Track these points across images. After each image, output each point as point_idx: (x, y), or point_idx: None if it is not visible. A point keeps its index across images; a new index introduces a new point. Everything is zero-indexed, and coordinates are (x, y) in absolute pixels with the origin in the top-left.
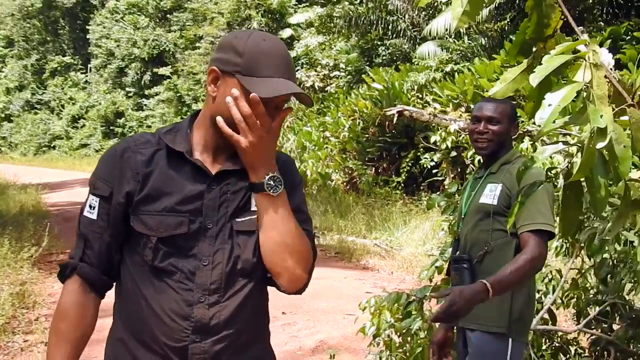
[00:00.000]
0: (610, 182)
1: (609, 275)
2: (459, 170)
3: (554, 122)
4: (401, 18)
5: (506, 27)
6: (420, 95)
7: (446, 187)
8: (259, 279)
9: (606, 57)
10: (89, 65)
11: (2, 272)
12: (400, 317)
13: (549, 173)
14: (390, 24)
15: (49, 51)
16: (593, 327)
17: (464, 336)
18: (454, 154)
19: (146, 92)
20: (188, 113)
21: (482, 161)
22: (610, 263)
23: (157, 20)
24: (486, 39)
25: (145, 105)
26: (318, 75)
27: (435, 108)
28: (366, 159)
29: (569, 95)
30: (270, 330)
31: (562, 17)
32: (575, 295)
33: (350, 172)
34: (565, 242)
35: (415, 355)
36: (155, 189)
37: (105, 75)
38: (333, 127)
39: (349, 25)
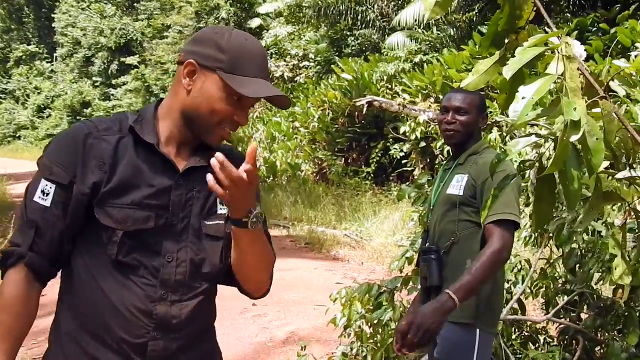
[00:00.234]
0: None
1: (577, 265)
2: (429, 161)
3: (527, 115)
4: (370, 8)
5: (475, 18)
6: (390, 86)
7: (416, 177)
8: (217, 281)
9: (578, 50)
10: (54, 55)
11: None
12: (372, 308)
13: (522, 165)
14: (360, 15)
15: (13, 40)
16: (562, 316)
17: None
18: (423, 144)
19: (113, 81)
20: None
21: (451, 152)
22: (579, 253)
23: (125, 9)
24: (455, 30)
25: (113, 95)
26: (287, 65)
27: (404, 99)
28: (336, 149)
29: (542, 88)
30: (236, 323)
31: (534, 8)
32: (544, 285)
33: (320, 162)
34: (534, 232)
35: (386, 346)
36: (124, 181)
37: (72, 64)
38: (303, 117)
39: (318, 15)
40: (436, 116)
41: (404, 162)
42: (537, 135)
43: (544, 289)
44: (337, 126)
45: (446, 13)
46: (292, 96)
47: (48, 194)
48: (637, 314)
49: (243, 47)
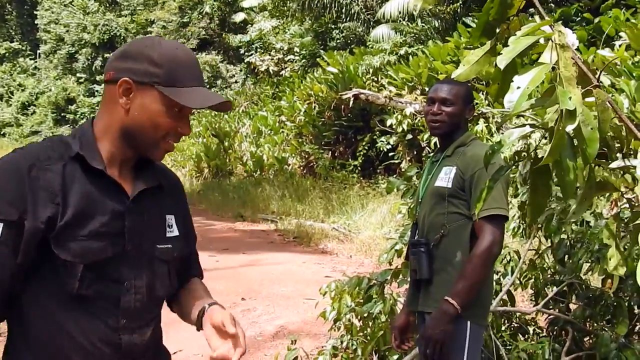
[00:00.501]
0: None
1: (566, 256)
2: (415, 153)
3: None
4: (354, 1)
5: (459, 10)
6: (376, 79)
7: (403, 170)
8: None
9: (571, 38)
10: (37, 51)
11: None
12: (361, 301)
13: (516, 157)
14: (344, 7)
15: None
16: (551, 307)
17: (424, 320)
18: (410, 137)
19: (97, 77)
20: None
21: (438, 144)
22: (568, 243)
23: (107, 5)
24: (439, 21)
25: (97, 91)
26: (272, 59)
27: (390, 91)
28: (322, 143)
29: (537, 78)
30: None
31: None
32: (533, 276)
33: (307, 156)
34: (523, 223)
35: (376, 339)
36: (79, 212)
37: (55, 61)
38: (289, 111)
39: (302, 8)
40: (422, 108)
41: (390, 154)
42: (532, 125)
43: (533, 280)
44: (323, 119)
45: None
46: (277, 90)
47: None
48: (626, 304)
49: (176, 58)
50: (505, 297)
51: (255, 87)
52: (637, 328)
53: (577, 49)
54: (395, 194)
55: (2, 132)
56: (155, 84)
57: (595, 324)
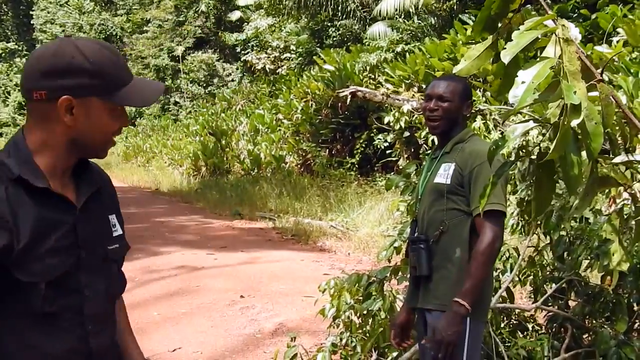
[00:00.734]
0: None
1: (565, 253)
2: (413, 150)
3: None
4: None
5: (455, 7)
6: (372, 76)
7: (401, 167)
8: None
9: (574, 32)
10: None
11: None
12: (360, 298)
13: (520, 152)
14: (340, 5)
15: None
16: (550, 304)
17: (424, 317)
18: (407, 134)
19: None
20: None
21: (436, 141)
22: (567, 240)
23: (103, 4)
24: (436, 18)
25: None
26: (269, 57)
27: (387, 88)
28: (320, 140)
29: (542, 72)
30: (224, 315)
31: None
32: (532, 273)
33: (304, 154)
34: (522, 220)
35: (376, 336)
36: (33, 233)
37: None
38: (285, 109)
39: (298, 6)
40: (420, 105)
41: (388, 152)
42: (535, 120)
43: (532, 277)
44: (320, 117)
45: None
46: (274, 88)
47: None
48: (625, 301)
49: (106, 60)
50: (504, 294)
51: (251, 85)
52: (636, 325)
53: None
54: (393, 192)
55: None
56: (97, 96)
57: (594, 321)
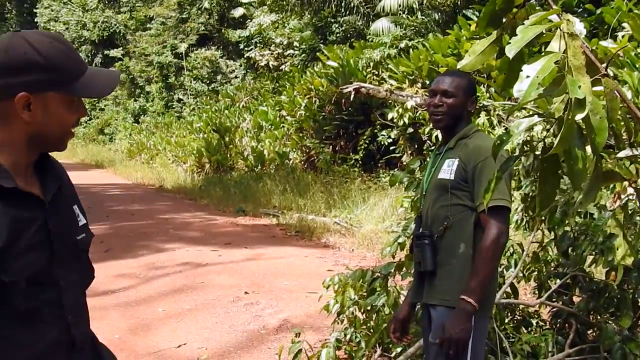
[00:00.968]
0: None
1: (569, 248)
2: (416, 146)
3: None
4: None
5: (459, 2)
6: (376, 72)
7: (404, 163)
8: None
9: (579, 27)
10: None
11: None
12: (364, 294)
13: (524, 147)
14: (343, 1)
15: None
16: (554, 299)
17: (428, 313)
18: (411, 130)
19: None
20: (141, 95)
21: (440, 137)
22: (571, 236)
23: (106, 2)
24: (439, 14)
25: None
26: (272, 54)
27: (391, 85)
28: (323, 137)
29: (546, 66)
30: (228, 311)
31: None
32: (537, 269)
33: (307, 150)
34: (526, 215)
35: (380, 332)
36: (8, 234)
37: None
38: (289, 106)
39: (301, 2)
40: (423, 101)
41: (391, 148)
42: (540, 115)
43: (536, 273)
44: (323, 114)
45: None
46: (277, 85)
47: None
48: (630, 296)
49: (57, 51)
50: (508, 289)
51: (255, 82)
52: None
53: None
54: (397, 188)
55: None
56: (53, 90)
57: (599, 317)
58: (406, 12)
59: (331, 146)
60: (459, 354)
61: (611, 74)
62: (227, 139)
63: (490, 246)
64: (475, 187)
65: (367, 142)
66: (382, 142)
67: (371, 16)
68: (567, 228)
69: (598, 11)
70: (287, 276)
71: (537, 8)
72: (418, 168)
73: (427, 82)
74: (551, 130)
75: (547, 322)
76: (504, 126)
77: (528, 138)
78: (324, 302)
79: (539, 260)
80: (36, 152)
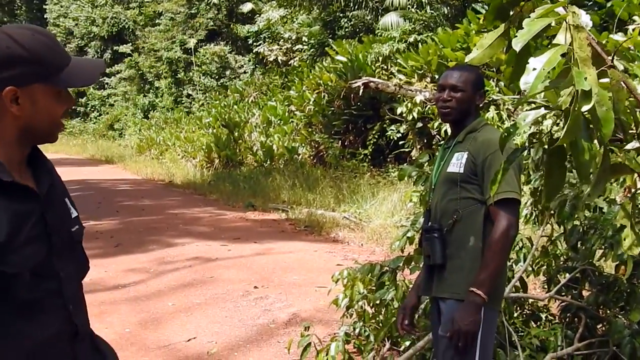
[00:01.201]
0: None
1: (579, 242)
2: (426, 141)
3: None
4: None
5: None
6: (385, 67)
7: (413, 158)
8: None
9: (585, 19)
10: None
11: None
12: (373, 288)
13: (531, 138)
14: None
15: None
16: (564, 293)
17: (437, 306)
18: (420, 125)
19: (107, 70)
20: (150, 90)
21: (449, 131)
22: (581, 230)
23: None
24: (448, 8)
25: (107, 83)
26: (281, 49)
27: (400, 79)
28: (332, 132)
29: (553, 59)
30: (238, 305)
31: None
32: (546, 263)
33: (316, 145)
34: (535, 209)
35: (389, 326)
36: (10, 227)
37: None
38: (298, 101)
39: None
40: (432, 96)
41: (400, 143)
42: (547, 107)
43: (545, 267)
44: (332, 108)
45: None
46: (286, 80)
47: None
48: None
49: (40, 44)
50: (517, 283)
51: (264, 77)
52: None
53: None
54: (406, 183)
55: None
56: (39, 82)
57: (608, 311)
58: (415, 6)
59: (340, 141)
60: (467, 346)
61: (621, 67)
62: (236, 134)
63: (500, 239)
64: (484, 180)
65: (376, 136)
66: (391, 137)
67: (380, 10)
68: (577, 222)
69: (608, 4)
70: (296, 271)
71: (544, 0)
72: (427, 162)
73: (436, 76)
74: (561, 125)
75: (557, 317)
76: (513, 120)
77: (537, 130)
78: (333, 296)
79: (549, 255)
80: (28, 146)
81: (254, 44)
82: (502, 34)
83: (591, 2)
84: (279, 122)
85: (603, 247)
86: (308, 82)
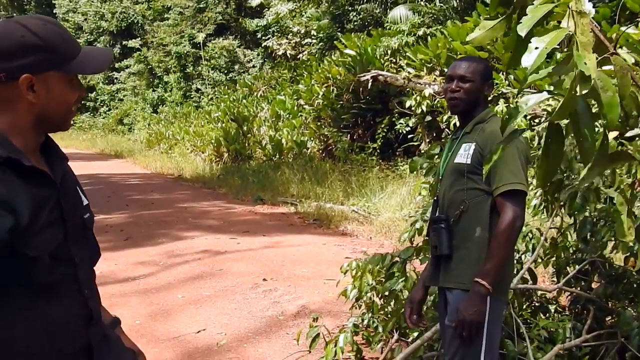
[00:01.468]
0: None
1: (589, 234)
2: (435, 134)
3: (538, 72)
4: None
5: None
6: (394, 60)
7: (422, 151)
8: None
9: (588, 6)
10: None
11: None
12: (382, 279)
13: (531, 122)
14: None
15: None
16: (572, 285)
17: (444, 296)
18: (429, 118)
19: (116, 65)
20: (159, 85)
21: (457, 122)
22: (591, 221)
23: None
24: (458, 1)
25: (116, 78)
26: (289, 43)
27: (409, 72)
28: (341, 125)
29: (555, 39)
30: (247, 297)
31: None
32: (555, 255)
33: (325, 139)
34: (545, 200)
35: (398, 317)
36: (31, 210)
37: None
38: (307, 94)
39: None
40: (441, 89)
41: (409, 136)
42: (549, 92)
43: (554, 259)
44: (341, 102)
45: None
46: (295, 74)
47: None
48: None
49: (52, 33)
50: (526, 275)
51: (272, 71)
52: None
53: (600, 27)
54: (415, 177)
55: None
56: (53, 69)
57: (617, 303)
58: (424, 0)
59: (349, 135)
60: (472, 336)
61: (633, 60)
62: (245, 128)
63: (506, 230)
64: (491, 171)
65: (385, 130)
66: (400, 131)
67: (389, 4)
68: (586, 214)
69: None
70: (305, 263)
71: None
72: (438, 154)
73: (445, 69)
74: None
75: (566, 309)
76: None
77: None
78: (342, 288)
79: (558, 246)
80: (42, 133)
81: (263, 38)
82: (504, 17)
83: None
84: (287, 116)
85: (613, 238)
86: (317, 76)
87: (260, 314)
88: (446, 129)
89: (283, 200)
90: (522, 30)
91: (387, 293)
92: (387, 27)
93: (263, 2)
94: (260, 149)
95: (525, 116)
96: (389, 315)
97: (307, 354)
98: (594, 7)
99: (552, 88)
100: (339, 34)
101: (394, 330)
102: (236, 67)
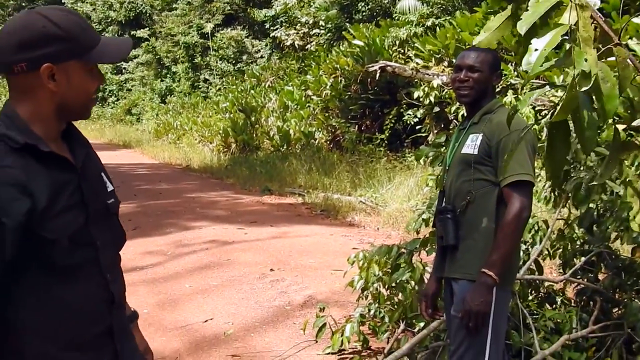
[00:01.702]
0: (600, 126)
1: (595, 225)
2: (443, 125)
3: (541, 66)
4: None
5: None
6: (402, 51)
7: (430, 142)
8: None
9: None
10: None
11: None
12: (389, 270)
13: (538, 115)
14: None
15: None
16: (579, 276)
17: (450, 287)
18: (437, 109)
19: None
20: (167, 75)
21: (465, 112)
22: (597, 213)
23: None
24: None
25: (125, 68)
26: (298, 33)
27: (417, 63)
28: (349, 116)
29: (554, 40)
30: (254, 287)
31: None
32: (562, 246)
33: (333, 130)
34: (552, 192)
35: (404, 307)
36: (49, 194)
37: None
38: (315, 85)
39: None
40: (449, 80)
41: (417, 127)
42: (552, 85)
43: (561, 250)
44: (349, 93)
45: None
46: (303, 64)
47: None
48: None
49: (72, 23)
50: (533, 266)
51: (280, 61)
52: None
53: (610, 17)
54: (423, 167)
55: None
56: (74, 59)
57: (624, 294)
58: None
59: (357, 126)
60: (478, 326)
61: None
62: (253, 118)
63: (512, 220)
64: (498, 162)
65: (392, 121)
66: (408, 122)
67: None
68: (592, 205)
69: None
70: (312, 254)
71: None
72: (444, 143)
73: (454, 60)
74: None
75: (572, 300)
76: (531, 105)
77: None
78: (349, 279)
79: (565, 238)
80: (63, 122)
81: (271, 28)
82: (509, 16)
83: None
84: (295, 106)
85: (618, 229)
86: (325, 66)
87: (268, 303)
88: (454, 120)
89: (290, 191)
90: (521, 27)
91: (393, 284)
92: (396, 18)
93: None
94: (267, 139)
95: (533, 107)
96: (396, 306)
97: (314, 343)
98: None
99: (561, 79)
100: (347, 24)
101: (400, 321)
102: (244, 57)
